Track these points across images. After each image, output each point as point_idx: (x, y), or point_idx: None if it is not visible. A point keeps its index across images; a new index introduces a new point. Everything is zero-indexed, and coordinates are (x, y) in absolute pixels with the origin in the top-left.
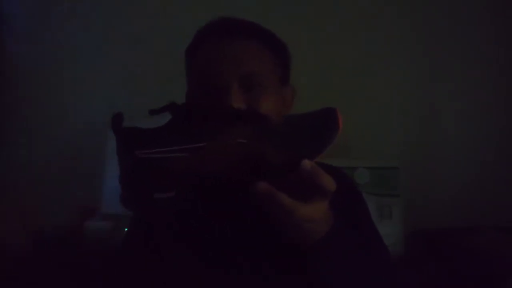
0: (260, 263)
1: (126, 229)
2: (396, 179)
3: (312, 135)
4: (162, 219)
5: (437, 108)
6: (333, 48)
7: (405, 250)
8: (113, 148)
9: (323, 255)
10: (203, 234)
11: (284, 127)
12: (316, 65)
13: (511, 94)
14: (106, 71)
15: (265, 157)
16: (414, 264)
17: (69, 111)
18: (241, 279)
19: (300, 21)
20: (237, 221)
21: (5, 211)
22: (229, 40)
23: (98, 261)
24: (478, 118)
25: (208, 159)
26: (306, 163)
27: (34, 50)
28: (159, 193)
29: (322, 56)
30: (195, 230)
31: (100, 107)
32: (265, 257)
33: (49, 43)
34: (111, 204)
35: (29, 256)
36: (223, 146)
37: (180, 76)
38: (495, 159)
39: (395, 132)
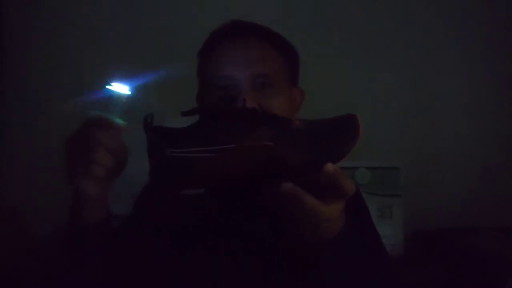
0: (282, 261)
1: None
2: (397, 179)
3: (334, 140)
4: (189, 215)
5: (438, 108)
6: (333, 49)
7: (405, 250)
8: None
9: (334, 253)
10: (225, 232)
11: (306, 131)
12: (316, 65)
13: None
14: (107, 71)
15: (290, 159)
16: (414, 264)
17: (70, 110)
18: (261, 278)
19: (300, 21)
20: (260, 221)
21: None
22: (242, 41)
23: (98, 261)
24: (479, 119)
25: (235, 160)
26: (329, 166)
27: (34, 50)
28: (187, 190)
29: (322, 56)
30: (218, 227)
31: (102, 107)
32: (286, 256)
33: (50, 43)
34: (112, 204)
35: (29, 256)
36: (250, 148)
37: (186, 78)
38: (495, 159)
39: (396, 132)
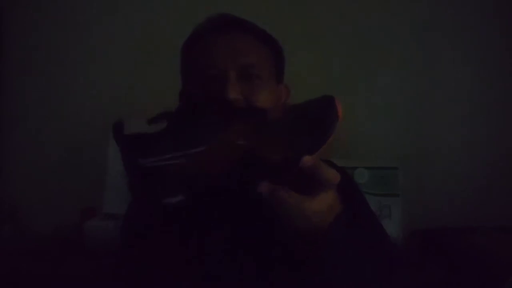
0: (266, 263)
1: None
2: (396, 179)
3: (311, 128)
4: (172, 222)
5: (437, 108)
6: (332, 48)
7: (405, 250)
8: (115, 148)
9: (330, 244)
10: (209, 236)
11: (282, 121)
12: (315, 64)
13: (511, 94)
14: (107, 71)
15: (265, 157)
16: (414, 264)
17: (70, 110)
18: (246, 280)
19: (299, 20)
20: (242, 223)
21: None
22: (227, 34)
23: (98, 261)
24: (478, 118)
25: (208, 162)
26: (307, 159)
27: (34, 50)
28: (167, 198)
29: (321, 55)
30: (201, 233)
31: (102, 106)
32: (271, 257)
33: (50, 42)
34: (112, 204)
35: (29, 255)
36: (222, 148)
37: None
38: (495, 159)
39: (395, 132)
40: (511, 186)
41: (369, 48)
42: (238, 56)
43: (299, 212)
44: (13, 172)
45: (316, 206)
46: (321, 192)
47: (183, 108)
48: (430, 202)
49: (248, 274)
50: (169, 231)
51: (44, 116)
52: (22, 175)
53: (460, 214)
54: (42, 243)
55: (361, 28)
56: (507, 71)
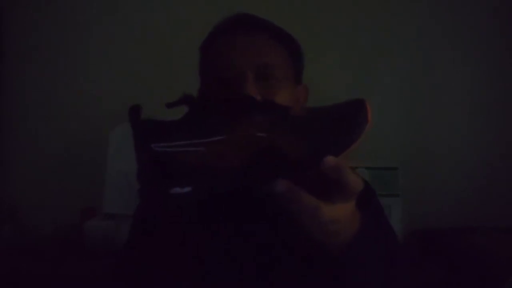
0: (266, 263)
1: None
2: (396, 179)
3: (337, 129)
4: (178, 214)
5: (437, 108)
6: (332, 48)
7: (407, 250)
8: (115, 148)
9: (351, 259)
10: (217, 232)
11: (306, 119)
12: (315, 64)
13: (511, 94)
14: (107, 71)
15: (285, 153)
16: (414, 264)
17: (70, 110)
18: (246, 280)
19: (299, 20)
20: (253, 220)
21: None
22: (245, 33)
23: (98, 261)
24: (478, 118)
25: (225, 153)
26: (330, 159)
27: (34, 50)
28: (176, 188)
29: (320, 55)
30: (209, 227)
31: (102, 106)
32: (271, 257)
33: (50, 42)
34: (112, 204)
35: (29, 255)
36: (241, 140)
37: (185, 73)
38: (494, 159)
39: (395, 132)
40: (511, 186)
41: (369, 48)
42: (256, 57)
43: (315, 218)
44: (13, 172)
45: (334, 214)
46: (340, 199)
47: (204, 97)
48: (430, 202)
49: (248, 274)
50: (172, 228)
51: (44, 116)
52: (22, 175)
53: (460, 214)
54: (42, 243)
55: (361, 28)
56: (507, 71)
